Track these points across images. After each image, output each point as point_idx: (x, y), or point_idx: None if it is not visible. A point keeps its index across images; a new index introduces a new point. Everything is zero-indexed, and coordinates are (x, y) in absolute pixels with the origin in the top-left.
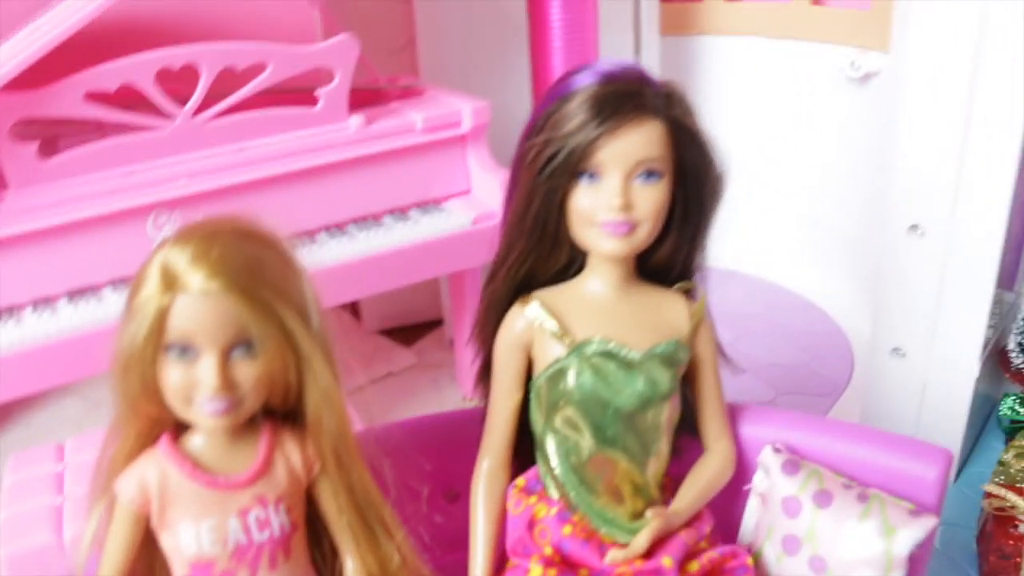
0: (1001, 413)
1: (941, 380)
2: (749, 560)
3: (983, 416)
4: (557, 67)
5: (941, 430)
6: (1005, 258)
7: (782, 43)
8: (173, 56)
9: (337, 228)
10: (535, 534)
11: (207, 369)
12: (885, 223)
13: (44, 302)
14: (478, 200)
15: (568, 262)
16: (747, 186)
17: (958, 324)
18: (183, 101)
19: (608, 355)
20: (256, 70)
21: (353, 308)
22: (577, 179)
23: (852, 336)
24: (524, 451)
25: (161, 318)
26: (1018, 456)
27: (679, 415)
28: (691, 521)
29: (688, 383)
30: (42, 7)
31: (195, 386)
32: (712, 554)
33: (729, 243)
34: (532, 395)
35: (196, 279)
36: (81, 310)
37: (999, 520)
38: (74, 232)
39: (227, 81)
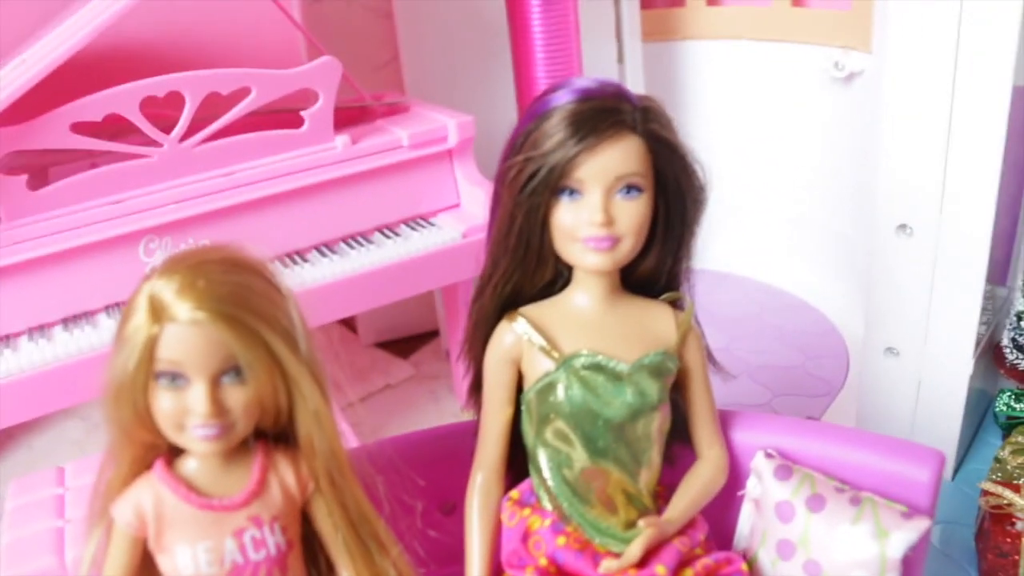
0: (997, 409)
1: (935, 378)
2: (744, 566)
3: (980, 413)
4: (540, 78)
5: (937, 428)
6: (996, 253)
7: (765, 45)
8: (157, 85)
9: (327, 247)
10: (530, 545)
11: (197, 396)
12: (873, 224)
13: (39, 330)
14: (467, 213)
15: (554, 277)
16: (736, 189)
17: (950, 322)
18: (171, 128)
19: (596, 368)
20: (241, 95)
21: (349, 322)
22: (558, 196)
23: (847, 336)
24: (518, 464)
25: (150, 348)
26: (1014, 453)
27: (670, 424)
28: (685, 529)
29: (679, 392)
30: (28, 38)
31: (186, 413)
32: (707, 561)
33: (721, 246)
34: (523, 409)
35: (183, 309)
36: (76, 336)
37: (996, 518)
38: (67, 260)
39: (213, 107)
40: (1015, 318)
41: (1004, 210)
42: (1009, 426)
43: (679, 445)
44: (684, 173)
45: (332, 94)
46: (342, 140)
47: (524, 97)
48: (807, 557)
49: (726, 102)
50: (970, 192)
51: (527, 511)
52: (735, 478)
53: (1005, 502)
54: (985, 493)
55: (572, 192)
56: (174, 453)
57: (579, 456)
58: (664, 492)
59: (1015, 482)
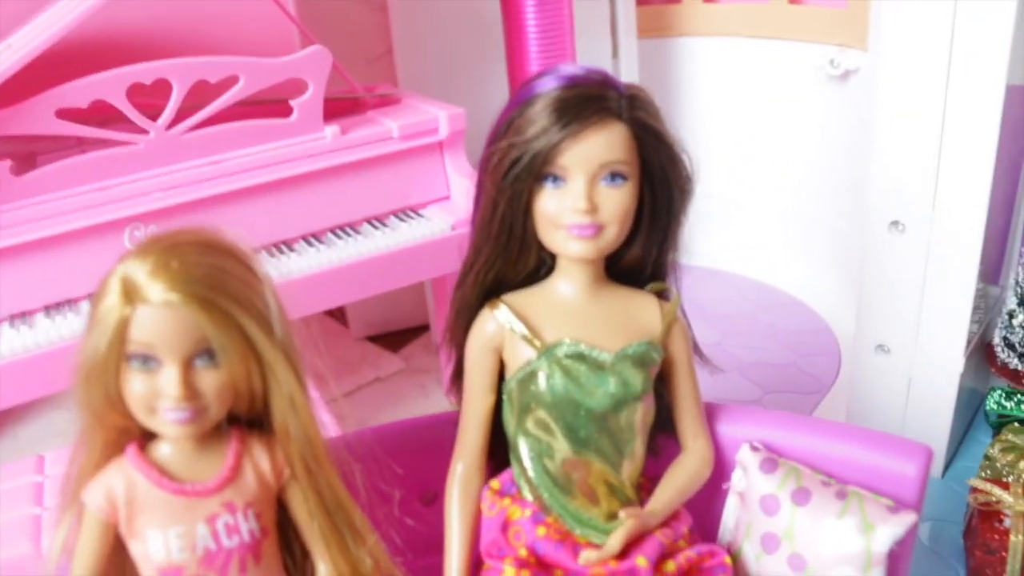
0: (988, 407)
1: (926, 376)
2: (727, 559)
3: (970, 411)
4: (534, 73)
5: (927, 426)
6: (989, 252)
7: (761, 43)
8: (143, 71)
9: (315, 237)
10: (509, 536)
11: (169, 379)
12: (866, 220)
13: (21, 317)
14: (457, 206)
15: (537, 265)
16: (731, 186)
17: (941, 319)
18: (159, 116)
19: (579, 357)
20: (229, 83)
21: (340, 315)
22: (542, 183)
23: (839, 333)
24: (499, 453)
25: (122, 329)
26: (1004, 450)
27: (653, 415)
28: (668, 521)
29: (664, 383)
30: (17, 24)
31: (158, 396)
32: (689, 553)
33: (715, 242)
34: (504, 398)
35: (156, 290)
36: (58, 324)
37: (984, 515)
38: (50, 247)
39: (202, 95)
40: (1007, 317)
41: (997, 209)
42: (999, 424)
43: (664, 437)
44: (670, 162)
45: (322, 84)
46: (331, 130)
47: None
48: (792, 551)
49: (721, 99)
50: (963, 189)
51: (507, 501)
52: (720, 471)
53: (994, 499)
54: (974, 490)
55: (555, 179)
56: (147, 438)
57: (561, 446)
58: (647, 484)
59: (1004, 479)
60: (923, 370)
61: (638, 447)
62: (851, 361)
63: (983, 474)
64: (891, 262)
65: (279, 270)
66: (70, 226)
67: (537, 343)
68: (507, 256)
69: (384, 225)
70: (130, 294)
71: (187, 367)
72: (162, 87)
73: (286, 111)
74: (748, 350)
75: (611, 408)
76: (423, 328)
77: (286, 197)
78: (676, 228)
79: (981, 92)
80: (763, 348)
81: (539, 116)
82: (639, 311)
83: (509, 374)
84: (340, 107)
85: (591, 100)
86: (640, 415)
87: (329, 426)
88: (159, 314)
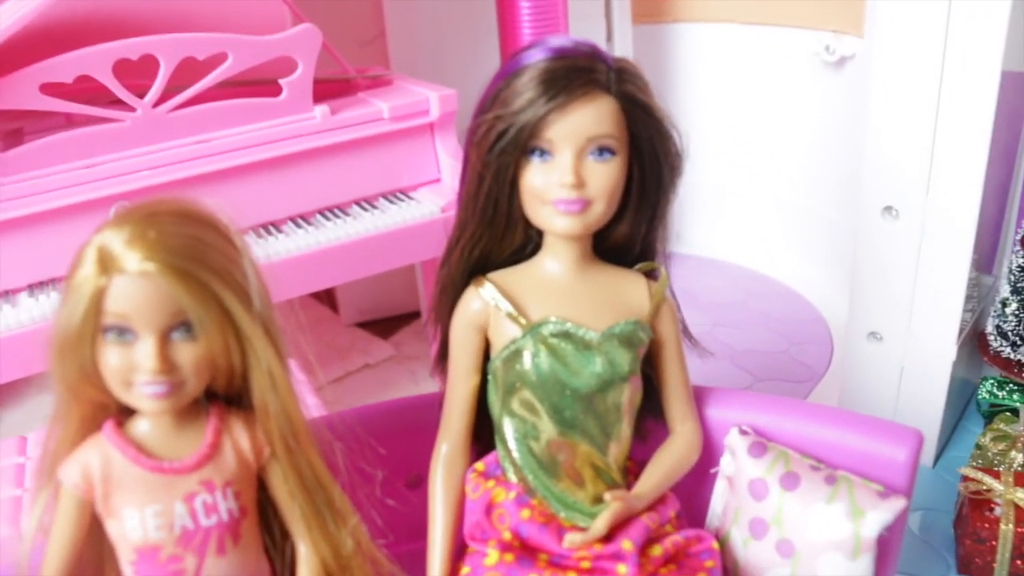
0: (980, 397)
1: (918, 364)
2: (714, 544)
3: (963, 400)
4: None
5: (919, 414)
6: (983, 240)
7: (756, 29)
8: (130, 46)
9: (303, 218)
10: (493, 518)
11: (145, 351)
12: (860, 205)
13: (4, 296)
14: (447, 188)
15: (523, 243)
16: (726, 174)
17: (934, 306)
18: (146, 95)
19: (565, 335)
20: (218, 61)
21: (330, 301)
22: (528, 157)
23: (831, 322)
24: (485, 435)
25: (97, 300)
26: (995, 439)
27: (641, 397)
28: (654, 505)
29: (651, 365)
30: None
31: (134, 369)
32: (676, 538)
33: (707, 231)
34: (489, 377)
35: (132, 260)
36: (42, 303)
37: (975, 503)
38: (35, 225)
39: (190, 74)
40: (1000, 305)
41: (991, 198)
42: (991, 414)
43: (652, 420)
44: (660, 137)
45: (311, 63)
46: (321, 110)
47: None
48: (780, 536)
49: (716, 86)
50: (957, 176)
51: (491, 483)
52: (708, 455)
53: (984, 488)
54: (965, 479)
55: (542, 153)
56: (125, 414)
57: (546, 427)
58: (635, 468)
59: (995, 468)
60: (915, 358)
61: (624, 429)
62: (843, 348)
63: (974, 463)
64: (884, 248)
65: (267, 251)
66: (55, 204)
67: (522, 321)
68: (493, 232)
69: (373, 207)
70: (106, 264)
71: (164, 340)
72: (150, 67)
73: (276, 91)
74: (740, 338)
75: (597, 388)
76: (414, 315)
77: (275, 177)
78: (665, 205)
79: (976, 78)
80: (755, 336)
81: (526, 88)
82: (627, 290)
83: (494, 353)
84: (331, 88)
85: (579, 72)
86: (627, 396)
87: (317, 411)
88: (135, 284)
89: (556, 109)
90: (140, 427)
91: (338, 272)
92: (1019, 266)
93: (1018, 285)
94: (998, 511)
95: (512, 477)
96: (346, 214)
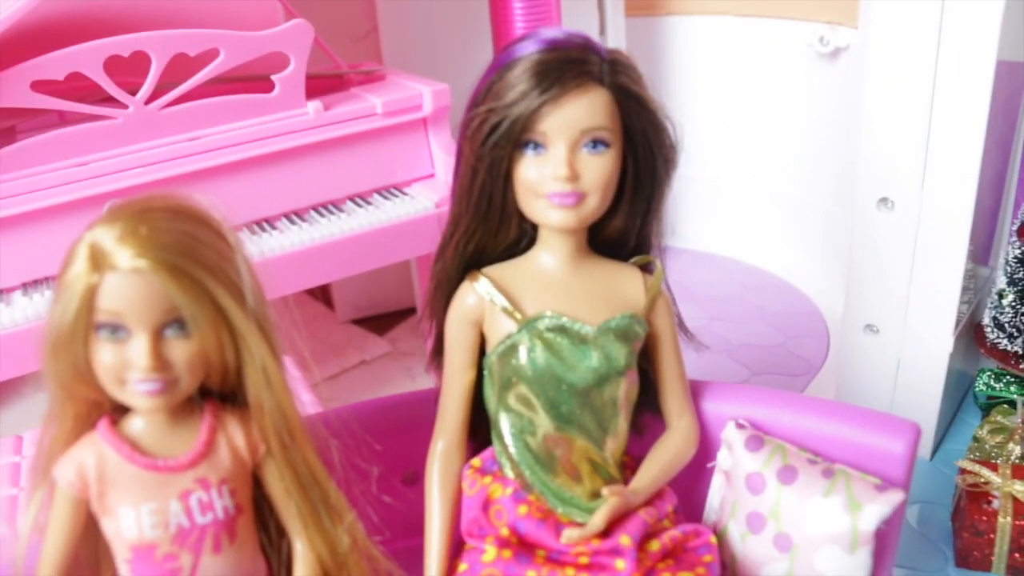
0: (977, 389)
1: (915, 356)
2: (712, 538)
3: (960, 393)
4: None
5: (916, 407)
6: (979, 232)
7: (749, 21)
8: (120, 43)
9: (297, 215)
10: (491, 515)
11: (138, 349)
12: (855, 197)
13: None
14: (441, 183)
15: (518, 237)
16: (720, 167)
17: (930, 298)
18: (137, 92)
19: (560, 330)
20: (210, 57)
21: (325, 297)
22: (522, 150)
23: (828, 315)
24: (481, 431)
25: (90, 297)
26: (992, 432)
27: (637, 392)
28: (652, 500)
29: (648, 359)
30: None
31: (127, 366)
32: (674, 533)
33: (702, 224)
34: (485, 373)
35: (124, 257)
36: (36, 302)
37: (972, 496)
38: (28, 223)
39: (182, 69)
40: (996, 297)
41: (987, 189)
42: (989, 406)
43: (649, 415)
44: (654, 129)
45: (304, 58)
46: (314, 106)
47: None
48: (778, 530)
49: (710, 78)
50: (953, 167)
51: (488, 479)
52: (705, 449)
53: (982, 480)
54: (962, 471)
55: (536, 146)
56: (119, 412)
57: (542, 422)
58: (632, 463)
59: (993, 461)
60: (912, 351)
61: (621, 424)
62: (839, 341)
63: (971, 456)
64: (880, 240)
65: (261, 248)
66: (48, 202)
67: (518, 316)
68: (487, 226)
69: (367, 203)
70: (98, 261)
71: (157, 337)
72: (141, 64)
73: (268, 87)
74: (736, 332)
75: (593, 383)
76: (409, 311)
77: (268, 174)
78: (660, 198)
79: (971, 68)
80: (751, 330)
81: (519, 80)
82: (622, 284)
83: (490, 348)
84: (324, 84)
85: (572, 64)
86: (623, 391)
87: (312, 408)
88: (127, 281)
89: (549, 101)
90: (134, 425)
91: (333, 268)
92: (1015, 257)
93: (1015, 276)
94: (996, 504)
95: (509, 473)
96: (340, 210)
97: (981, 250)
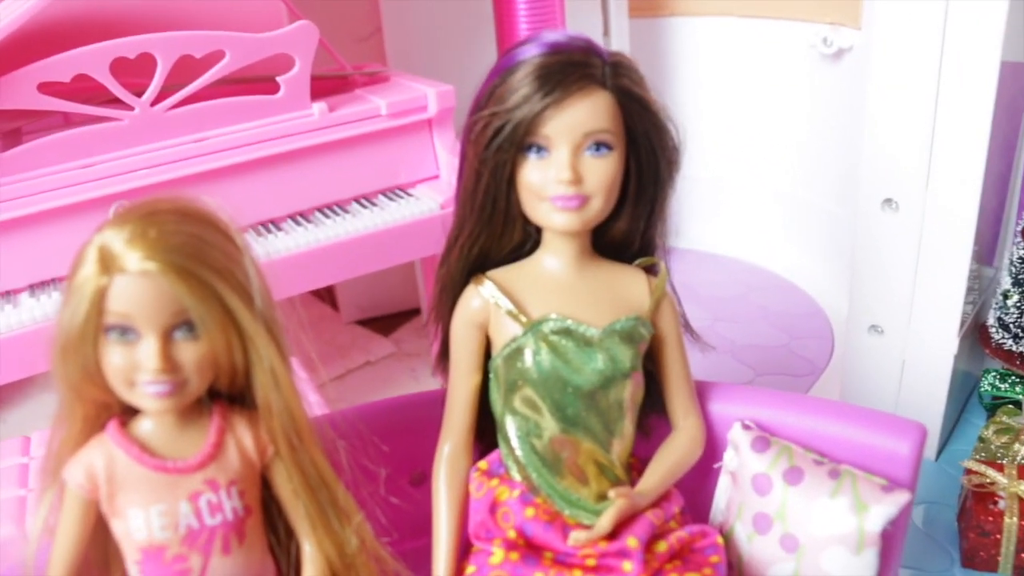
0: (982, 389)
1: (920, 357)
2: (719, 539)
3: (965, 393)
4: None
5: (921, 407)
6: (983, 232)
7: (753, 22)
8: (127, 45)
9: (303, 216)
10: (498, 517)
11: (148, 351)
12: (859, 198)
13: (6, 296)
14: (446, 184)
15: (522, 240)
16: (724, 167)
17: (935, 299)
18: (143, 94)
19: (565, 332)
20: (215, 59)
21: (331, 298)
22: (525, 153)
23: (832, 316)
24: (488, 433)
25: (99, 300)
26: (998, 432)
27: (643, 393)
28: (658, 501)
29: (653, 361)
30: None
31: (137, 368)
32: (681, 534)
33: (706, 225)
34: (491, 376)
35: (133, 259)
36: (43, 303)
37: (978, 497)
38: (35, 225)
39: (188, 73)
40: (1001, 297)
41: (991, 188)
42: (994, 406)
43: (655, 417)
44: (656, 131)
45: (309, 60)
46: (319, 107)
47: None
48: (784, 531)
49: (714, 79)
50: (957, 167)
51: (495, 482)
52: (712, 450)
53: (988, 481)
54: (968, 472)
55: (539, 149)
56: (129, 414)
57: (548, 424)
58: (638, 464)
59: (998, 461)
60: (917, 351)
61: (627, 426)
62: (844, 342)
63: (977, 456)
64: (884, 241)
65: (266, 249)
66: (54, 203)
67: (523, 319)
68: (491, 229)
69: (372, 204)
70: (107, 263)
71: (166, 339)
72: (147, 66)
73: (273, 89)
74: (740, 333)
75: (599, 385)
76: (414, 312)
77: (273, 175)
78: (664, 200)
79: (976, 68)
80: (755, 331)
81: (521, 84)
82: (627, 286)
83: (495, 351)
84: (328, 85)
85: (574, 67)
86: (629, 393)
87: (319, 409)
88: (136, 284)
89: (552, 105)
90: (144, 427)
91: (338, 269)
92: (1020, 257)
93: (1019, 277)
94: (1002, 504)
95: (516, 475)
96: (345, 211)
97: (985, 251)
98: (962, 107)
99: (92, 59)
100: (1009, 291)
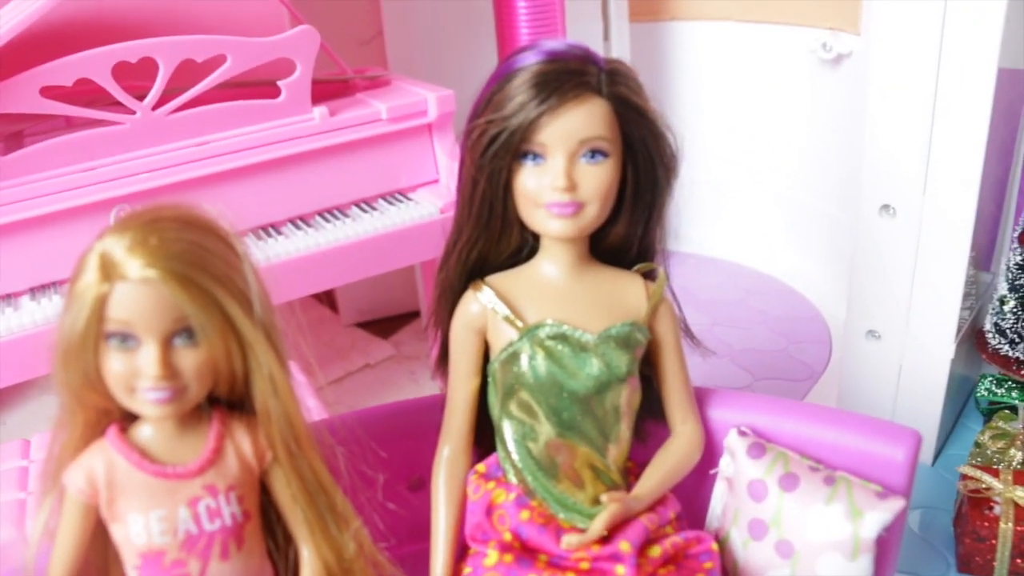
0: (978, 394)
1: (917, 362)
2: (714, 545)
3: (961, 399)
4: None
5: (918, 413)
6: (980, 238)
7: (753, 27)
8: (129, 49)
9: (303, 220)
10: (494, 519)
11: (148, 358)
12: (857, 203)
13: (6, 299)
14: (446, 189)
15: (520, 245)
16: (723, 172)
17: (932, 304)
18: (145, 98)
19: (561, 338)
20: (217, 63)
21: (330, 301)
22: (521, 160)
23: (830, 320)
24: (486, 437)
25: (100, 307)
26: (994, 437)
27: (640, 398)
28: (654, 506)
29: (651, 365)
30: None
31: (137, 375)
32: (675, 539)
33: (704, 229)
34: (488, 380)
35: (134, 267)
36: (44, 306)
37: (974, 502)
38: (36, 228)
39: (189, 77)
40: (998, 303)
41: (989, 194)
42: (990, 411)
43: (652, 421)
44: (653, 138)
45: (310, 64)
46: (320, 111)
47: None
48: (779, 537)
49: (713, 84)
50: (954, 173)
51: (492, 484)
52: (708, 456)
53: (984, 486)
54: (964, 477)
55: (535, 156)
56: (129, 419)
57: (544, 429)
58: (635, 469)
59: (994, 467)
60: (914, 356)
61: (624, 431)
62: (842, 347)
63: (973, 461)
64: (882, 247)
65: (267, 253)
66: (56, 207)
67: (519, 324)
68: (489, 235)
69: (373, 208)
70: (108, 271)
71: (166, 346)
72: (149, 69)
73: (274, 93)
74: (739, 337)
75: (595, 390)
76: (413, 314)
77: (274, 179)
78: (661, 206)
79: (973, 75)
80: (754, 335)
81: (517, 91)
82: (624, 292)
83: (493, 355)
84: (329, 89)
85: (570, 75)
86: (625, 398)
87: (318, 413)
88: (137, 291)
89: (547, 112)
90: (143, 432)
91: (338, 273)
92: (1017, 263)
93: (1016, 282)
94: (998, 509)
95: (512, 479)
96: (345, 215)
97: (982, 256)
98: (960, 113)
99: (94, 63)
100: (1006, 297)
